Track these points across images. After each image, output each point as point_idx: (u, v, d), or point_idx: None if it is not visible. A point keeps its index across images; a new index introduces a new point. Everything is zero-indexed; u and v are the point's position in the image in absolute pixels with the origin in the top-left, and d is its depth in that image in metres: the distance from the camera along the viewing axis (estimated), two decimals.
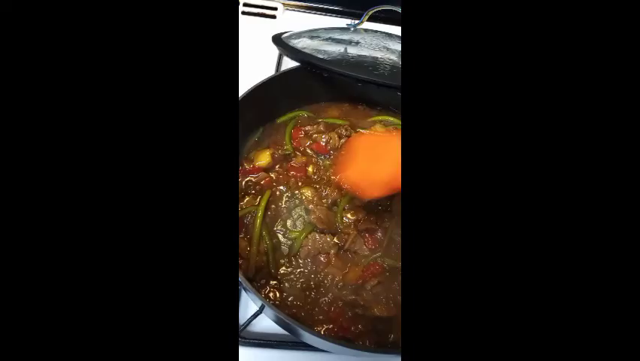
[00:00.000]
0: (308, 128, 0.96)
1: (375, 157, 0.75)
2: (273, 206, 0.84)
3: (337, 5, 1.31)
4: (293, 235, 0.80)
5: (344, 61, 0.88)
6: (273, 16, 1.28)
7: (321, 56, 0.94)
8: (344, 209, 0.83)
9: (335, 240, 0.78)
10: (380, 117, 1.03)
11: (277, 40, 0.94)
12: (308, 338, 0.68)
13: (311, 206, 0.82)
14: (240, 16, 1.27)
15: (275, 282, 0.76)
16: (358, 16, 1.26)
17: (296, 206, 0.84)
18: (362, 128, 0.98)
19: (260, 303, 0.71)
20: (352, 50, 1.00)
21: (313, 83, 0.96)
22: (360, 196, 0.77)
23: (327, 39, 1.03)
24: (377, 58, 0.89)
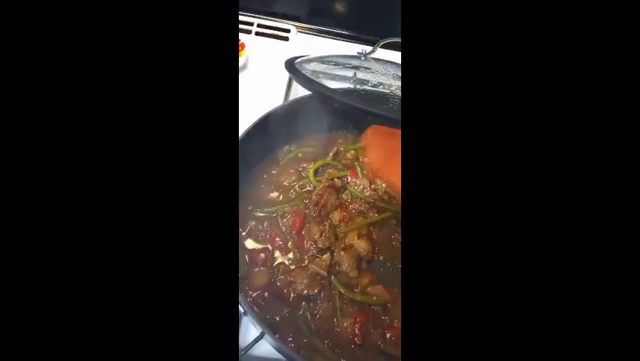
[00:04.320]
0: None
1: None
2: None
3: (348, 30, 1.34)
4: None
5: (355, 92, 0.90)
6: (286, 38, 1.31)
7: (331, 82, 0.96)
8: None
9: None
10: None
11: (290, 66, 0.96)
12: None
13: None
14: (254, 36, 1.30)
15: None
16: (368, 42, 1.30)
17: None
18: None
19: (260, 329, 0.72)
20: (362, 76, 1.03)
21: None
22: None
23: (338, 65, 1.06)
24: (387, 90, 0.91)
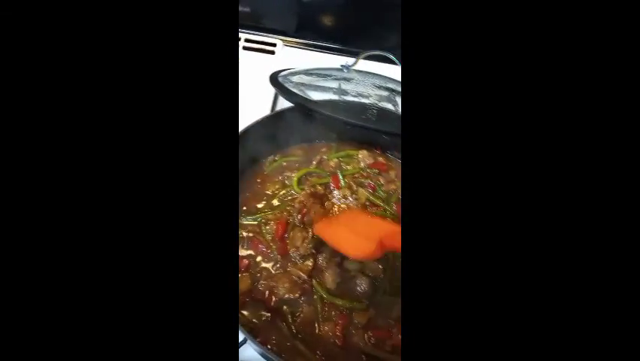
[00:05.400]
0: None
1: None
2: None
3: (333, 43, 1.38)
4: None
5: (335, 104, 0.94)
6: (272, 52, 1.35)
7: (315, 93, 1.00)
8: None
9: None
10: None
11: (274, 80, 1.00)
12: None
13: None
14: (242, 51, 1.34)
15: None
16: (353, 54, 1.33)
17: None
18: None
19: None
20: (344, 87, 1.07)
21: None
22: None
23: (322, 77, 1.10)
24: (366, 101, 0.94)
